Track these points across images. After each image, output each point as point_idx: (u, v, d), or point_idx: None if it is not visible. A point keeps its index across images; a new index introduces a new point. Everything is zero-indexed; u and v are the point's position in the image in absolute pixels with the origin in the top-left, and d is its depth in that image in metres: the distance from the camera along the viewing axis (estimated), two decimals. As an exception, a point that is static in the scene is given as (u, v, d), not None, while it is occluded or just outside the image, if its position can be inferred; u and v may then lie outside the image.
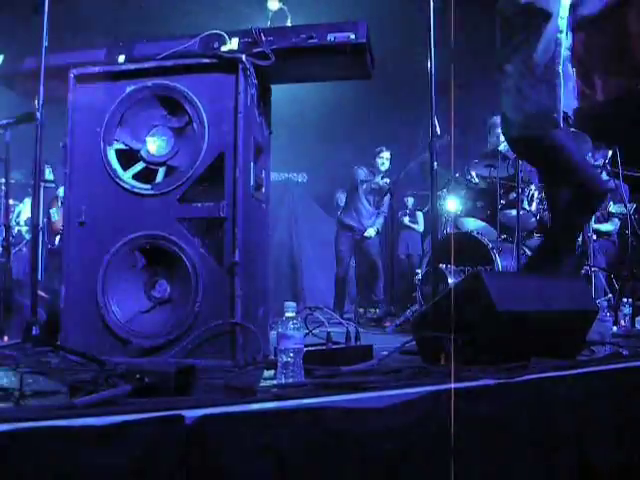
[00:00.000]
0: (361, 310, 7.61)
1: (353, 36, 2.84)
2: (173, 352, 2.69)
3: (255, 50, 2.86)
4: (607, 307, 5.12)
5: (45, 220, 6.34)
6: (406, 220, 8.76)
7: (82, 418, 1.42)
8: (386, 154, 7.63)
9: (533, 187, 5.67)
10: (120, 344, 2.78)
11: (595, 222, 5.81)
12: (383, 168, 7.60)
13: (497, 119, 6.31)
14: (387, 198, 7.61)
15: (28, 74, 3.09)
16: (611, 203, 6.14)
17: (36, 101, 3.02)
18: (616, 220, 6.28)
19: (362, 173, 7.63)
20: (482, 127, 6.76)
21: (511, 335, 2.49)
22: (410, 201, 8.88)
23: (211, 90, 2.87)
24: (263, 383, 2.13)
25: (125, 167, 2.92)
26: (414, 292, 6.02)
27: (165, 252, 2.81)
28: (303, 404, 1.72)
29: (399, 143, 7.93)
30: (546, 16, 3.74)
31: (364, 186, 7.56)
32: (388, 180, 7.56)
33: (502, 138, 6.29)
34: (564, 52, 3.83)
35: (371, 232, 7.63)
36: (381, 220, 7.77)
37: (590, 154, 6.13)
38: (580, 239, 5.77)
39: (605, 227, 6.25)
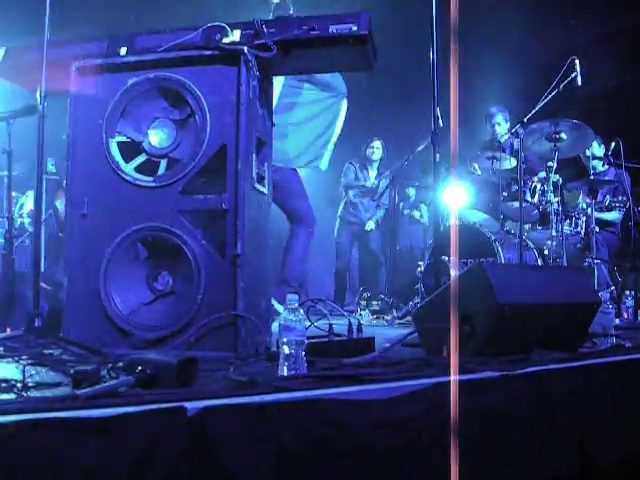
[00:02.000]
0: (363, 302, 7.61)
1: (355, 27, 2.82)
2: (175, 344, 2.70)
3: (257, 42, 2.86)
4: (609, 299, 5.11)
5: (51, 212, 6.33)
6: (417, 215, 8.72)
7: (85, 410, 1.42)
8: (377, 143, 7.70)
9: (536, 179, 5.65)
10: (122, 336, 2.79)
11: (597, 211, 5.78)
12: (375, 157, 7.68)
13: (493, 109, 6.42)
14: (386, 191, 7.63)
15: (30, 66, 3.08)
16: (607, 197, 6.11)
17: (38, 93, 3.02)
18: (619, 210, 6.24)
19: (351, 175, 7.71)
20: (482, 116, 6.75)
21: (513, 327, 2.49)
22: (412, 192, 8.85)
23: (213, 82, 2.86)
24: (265, 375, 2.13)
25: (127, 159, 2.93)
26: (416, 284, 6.01)
27: (167, 244, 2.81)
28: (305, 396, 1.72)
29: (400, 135, 7.92)
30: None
31: (354, 191, 7.64)
32: (377, 182, 7.60)
33: (499, 130, 6.38)
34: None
35: (371, 225, 7.67)
36: (381, 212, 7.81)
37: (596, 143, 6.13)
38: (583, 231, 5.76)
39: (607, 215, 6.21)
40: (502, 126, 6.46)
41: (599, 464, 2.18)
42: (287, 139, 4.92)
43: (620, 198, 6.07)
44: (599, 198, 5.84)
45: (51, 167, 6.45)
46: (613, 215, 6.23)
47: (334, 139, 5.21)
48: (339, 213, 7.93)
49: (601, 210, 6.01)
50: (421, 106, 4.20)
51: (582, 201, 5.90)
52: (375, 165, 7.77)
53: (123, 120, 2.94)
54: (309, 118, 5.10)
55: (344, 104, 5.19)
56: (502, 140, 5.90)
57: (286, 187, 4.96)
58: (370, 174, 7.77)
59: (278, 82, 4.81)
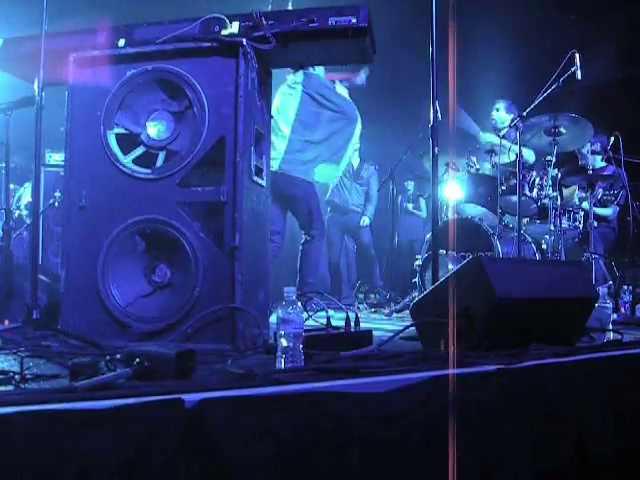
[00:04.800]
0: (361, 295, 7.63)
1: (354, 20, 2.82)
2: (173, 336, 2.70)
3: (256, 34, 2.85)
4: (607, 294, 5.12)
5: (51, 202, 6.32)
6: (410, 207, 8.74)
7: (82, 402, 1.42)
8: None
9: (534, 173, 5.66)
10: (120, 328, 2.79)
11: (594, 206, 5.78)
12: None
13: (499, 99, 6.49)
14: (374, 179, 7.72)
15: (28, 58, 3.07)
16: (600, 191, 6.11)
17: (36, 85, 3.01)
18: (614, 206, 6.25)
19: None
20: (482, 110, 6.75)
21: (511, 321, 2.49)
22: (411, 185, 8.86)
23: (212, 74, 2.86)
24: (263, 368, 2.13)
25: (125, 151, 2.92)
26: (414, 278, 6.02)
27: (165, 236, 2.81)
28: (302, 389, 1.72)
29: (399, 128, 7.91)
30: None
31: None
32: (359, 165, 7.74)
33: (496, 115, 6.43)
34: None
35: (366, 221, 7.73)
36: (372, 209, 7.86)
37: (593, 141, 6.13)
38: (581, 225, 5.77)
39: (601, 211, 6.21)
40: (500, 112, 6.52)
41: (596, 458, 2.18)
42: (304, 154, 5.53)
43: (612, 192, 6.07)
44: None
45: (49, 159, 6.44)
46: (607, 211, 6.23)
47: (349, 153, 5.88)
48: (327, 198, 7.96)
49: (595, 205, 6.01)
50: (419, 99, 4.20)
51: (576, 196, 5.92)
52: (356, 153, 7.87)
53: (121, 112, 2.94)
54: (326, 138, 5.62)
55: (357, 128, 5.76)
56: (503, 131, 5.91)
57: (308, 200, 5.63)
58: (353, 161, 7.87)
59: (294, 100, 5.49)
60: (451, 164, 5.98)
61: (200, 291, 2.73)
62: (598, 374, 2.36)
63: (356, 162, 7.96)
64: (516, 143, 5.21)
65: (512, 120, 6.39)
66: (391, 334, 2.71)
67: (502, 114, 6.51)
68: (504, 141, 5.92)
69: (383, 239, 8.13)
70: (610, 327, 3.39)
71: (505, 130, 5.98)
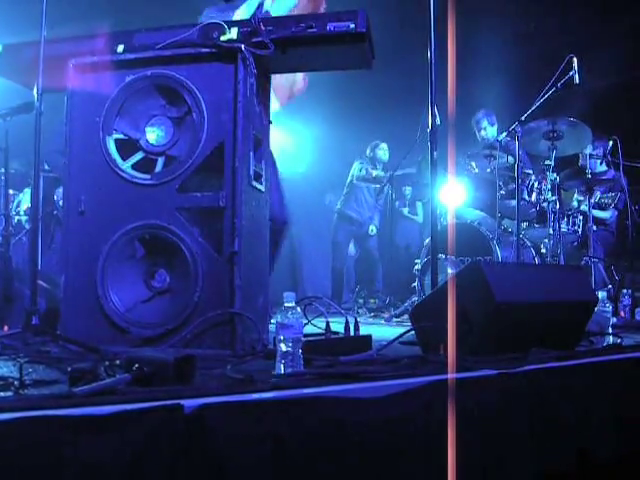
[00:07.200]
0: (360, 300, 7.63)
1: (353, 25, 2.82)
2: (172, 342, 2.70)
3: (254, 40, 2.85)
4: (606, 298, 5.11)
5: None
6: (405, 211, 8.76)
7: (82, 407, 1.42)
8: (384, 145, 7.85)
9: (533, 177, 5.66)
10: (119, 333, 2.79)
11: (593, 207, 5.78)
12: (385, 158, 7.83)
13: (479, 115, 6.53)
14: (385, 190, 7.73)
15: (27, 64, 3.07)
16: (598, 194, 6.11)
17: (35, 91, 3.01)
18: (613, 209, 6.24)
19: (364, 171, 7.85)
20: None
21: (510, 325, 2.49)
22: (408, 190, 8.88)
23: (210, 80, 2.86)
24: (262, 373, 2.13)
25: (124, 157, 2.92)
26: (413, 282, 6.02)
27: (164, 242, 2.81)
28: (302, 394, 1.72)
29: (398, 134, 7.93)
30: None
31: (364, 176, 7.74)
32: (383, 173, 7.73)
33: (484, 134, 6.44)
34: None
35: (374, 230, 7.78)
36: (378, 216, 7.93)
37: (591, 145, 6.13)
38: (580, 229, 5.77)
39: (599, 213, 6.20)
40: (488, 130, 6.54)
41: (596, 461, 2.18)
42: None
43: (610, 194, 6.07)
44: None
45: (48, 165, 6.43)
46: (605, 213, 6.23)
47: None
48: (338, 206, 8.01)
49: (593, 207, 6.01)
50: (418, 105, 4.21)
51: (575, 199, 5.92)
52: (381, 166, 7.90)
53: (120, 118, 2.94)
54: None
55: None
56: (503, 139, 5.91)
57: None
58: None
59: None
60: (450, 168, 5.98)
61: (199, 296, 2.73)
62: (598, 378, 2.37)
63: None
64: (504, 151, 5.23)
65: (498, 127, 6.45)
66: (390, 339, 2.71)
67: (490, 129, 6.60)
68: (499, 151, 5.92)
69: (381, 244, 8.14)
70: (609, 331, 3.39)
71: (503, 135, 5.98)
